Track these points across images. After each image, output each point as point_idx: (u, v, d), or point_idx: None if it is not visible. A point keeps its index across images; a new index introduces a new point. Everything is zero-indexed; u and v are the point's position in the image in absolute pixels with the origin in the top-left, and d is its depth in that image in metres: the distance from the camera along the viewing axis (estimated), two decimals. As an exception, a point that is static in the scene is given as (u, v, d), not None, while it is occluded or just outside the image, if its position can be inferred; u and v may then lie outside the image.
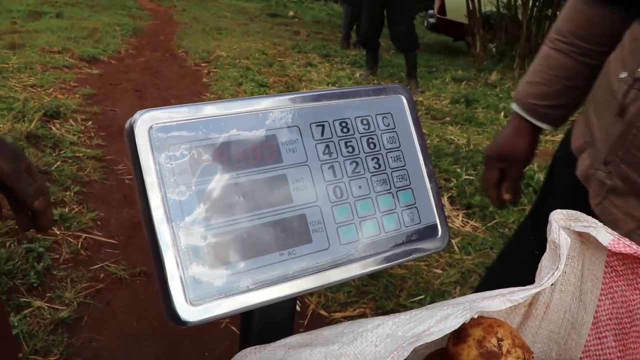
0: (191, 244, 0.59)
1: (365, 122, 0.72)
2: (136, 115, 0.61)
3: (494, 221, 2.89)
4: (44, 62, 5.71)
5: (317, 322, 2.08)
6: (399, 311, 0.67)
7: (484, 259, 2.55)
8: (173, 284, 0.57)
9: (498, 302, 0.69)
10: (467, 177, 3.48)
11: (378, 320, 0.62)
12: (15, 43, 6.33)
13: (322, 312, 2.07)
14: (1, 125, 3.60)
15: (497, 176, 1.42)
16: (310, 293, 2.02)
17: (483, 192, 1.29)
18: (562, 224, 0.74)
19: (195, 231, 0.59)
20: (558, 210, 0.75)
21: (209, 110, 0.63)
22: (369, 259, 0.69)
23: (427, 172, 0.76)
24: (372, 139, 0.73)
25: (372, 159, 0.72)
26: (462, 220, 2.93)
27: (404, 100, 0.77)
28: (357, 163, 0.70)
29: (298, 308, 1.95)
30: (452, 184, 3.06)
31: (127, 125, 0.60)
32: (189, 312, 0.57)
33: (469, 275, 2.38)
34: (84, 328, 1.98)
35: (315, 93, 0.71)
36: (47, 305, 2.13)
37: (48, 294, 2.21)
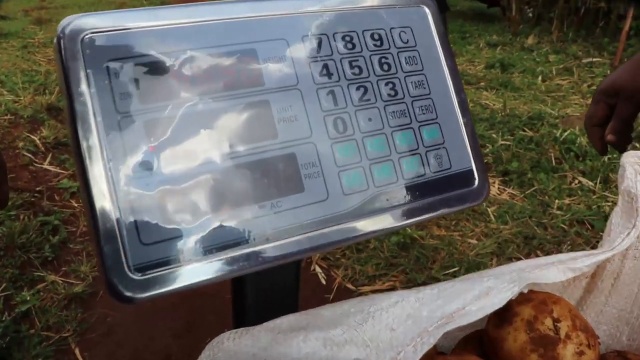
0: (135, 191, 0.42)
1: (376, 37, 0.55)
2: (64, 21, 0.45)
3: (533, 188, 2.67)
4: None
5: (344, 297, 1.92)
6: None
7: (522, 229, 2.33)
8: (108, 246, 0.41)
9: (555, 271, 0.51)
10: (503, 142, 3.23)
11: (396, 295, 0.45)
12: (42, 18, 6.28)
13: (349, 285, 1.91)
14: (22, 98, 3.51)
15: (604, 113, 1.21)
16: (335, 264, 1.87)
17: (585, 130, 1.07)
18: (639, 168, 0.55)
19: (141, 175, 0.43)
20: (632, 152, 0.56)
21: (166, 16, 0.46)
22: (383, 214, 0.52)
23: (458, 102, 0.58)
24: (386, 58, 0.55)
25: (386, 84, 0.54)
26: (499, 188, 2.71)
27: (428, 13, 0.59)
28: (365, 88, 0.53)
29: (323, 281, 1.79)
30: (488, 149, 2.84)
31: (56, 35, 0.44)
32: (132, 284, 0.41)
33: (507, 245, 2.17)
34: (98, 303, 1.86)
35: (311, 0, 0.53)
36: (61, 280, 2.02)
37: (63, 268, 2.11)
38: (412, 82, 0.56)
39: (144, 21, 0.45)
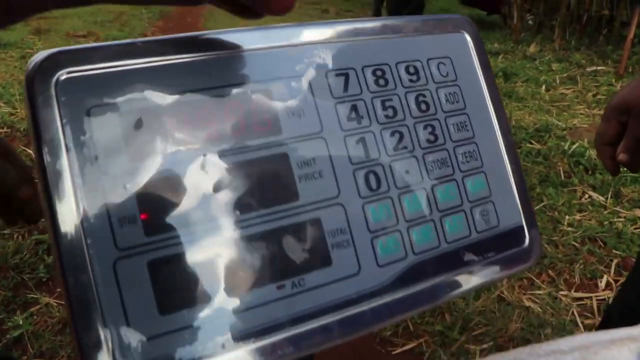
0: (125, 274, 0.33)
1: (412, 70, 0.45)
2: (36, 57, 0.35)
3: (542, 204, 2.57)
4: (68, 46, 5.52)
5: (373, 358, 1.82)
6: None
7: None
8: (91, 342, 0.32)
9: (626, 352, 0.41)
10: (511, 155, 3.09)
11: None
12: (41, 28, 6.20)
13: (379, 347, 1.80)
14: (19, 111, 3.42)
15: (616, 131, 1.11)
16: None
17: (595, 149, 0.97)
18: None
19: (130, 253, 0.33)
20: None
21: (159, 50, 0.37)
22: (423, 286, 0.42)
23: (505, 146, 0.49)
24: (424, 95, 0.45)
25: (425, 127, 0.45)
26: (509, 203, 2.59)
27: (468, 40, 0.49)
28: (401, 134, 0.43)
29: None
30: (496, 163, 2.73)
31: (25, 73, 0.35)
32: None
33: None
34: (93, 328, 1.75)
35: (334, 25, 0.44)
36: (55, 302, 1.93)
37: (58, 289, 2.01)
38: (453, 124, 0.46)
39: (134, 57, 0.36)
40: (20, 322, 1.85)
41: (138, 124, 0.35)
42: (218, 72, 0.38)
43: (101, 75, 0.35)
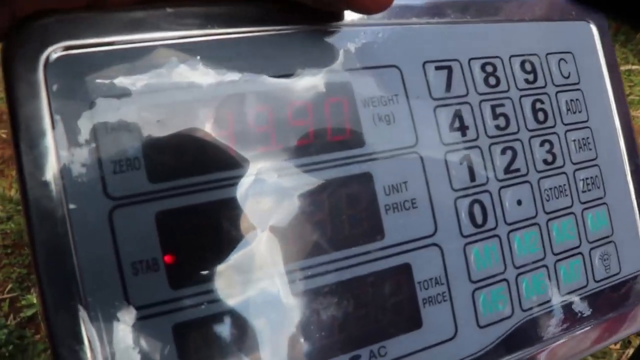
0: (141, 333, 0.22)
1: (528, 67, 0.33)
2: (16, 26, 0.24)
3: None
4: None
5: None
6: None
7: None
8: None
9: None
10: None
11: None
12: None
13: None
14: None
15: None
16: None
17: None
18: None
19: (154, 312, 0.22)
20: None
21: (194, 20, 0.25)
22: (531, 351, 0.31)
23: (632, 172, 0.37)
24: (541, 102, 0.33)
25: (542, 144, 0.33)
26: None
27: (594, 31, 0.37)
28: (514, 151, 0.31)
29: None
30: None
31: (0, 50, 0.23)
32: None
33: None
34: None
35: (430, 1, 0.31)
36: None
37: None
38: (574, 141, 0.34)
39: (161, 29, 0.24)
40: (34, 301, 1.76)
41: (160, 128, 0.24)
42: (277, 53, 0.26)
43: (112, 53, 0.23)
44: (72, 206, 0.23)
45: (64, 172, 0.23)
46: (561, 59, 0.35)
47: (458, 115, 0.31)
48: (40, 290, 0.23)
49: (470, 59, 0.32)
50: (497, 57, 0.33)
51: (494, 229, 0.31)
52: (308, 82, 0.27)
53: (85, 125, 0.23)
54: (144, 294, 0.23)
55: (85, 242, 0.23)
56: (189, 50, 0.25)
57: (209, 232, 0.24)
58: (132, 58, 0.25)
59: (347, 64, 0.28)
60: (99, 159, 0.23)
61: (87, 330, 0.22)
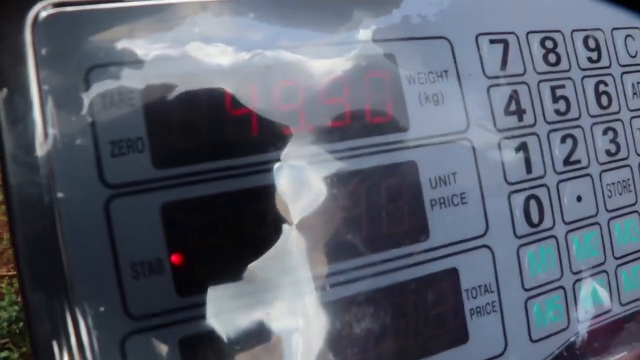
0: (144, 355, 0.17)
1: (592, 44, 0.28)
2: None
3: None
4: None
5: None
6: None
7: None
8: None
9: None
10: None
11: None
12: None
13: None
14: None
15: None
16: None
17: None
18: None
19: (154, 325, 0.17)
20: None
21: None
22: None
23: None
24: (605, 84, 0.29)
25: (605, 132, 0.28)
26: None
27: None
28: (574, 140, 0.26)
29: None
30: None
31: None
32: None
33: None
34: None
35: None
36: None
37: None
38: (639, 129, 0.29)
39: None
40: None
41: (175, 101, 0.19)
42: (306, 17, 0.21)
43: (113, 12, 0.19)
44: (61, 194, 0.18)
45: (53, 153, 0.18)
46: (628, 35, 0.30)
47: (514, 97, 0.26)
48: (22, 295, 0.19)
49: (528, 33, 0.27)
50: (557, 31, 0.28)
51: (551, 228, 0.26)
52: (344, 53, 0.22)
53: (79, 97, 0.19)
54: (146, 301, 0.19)
55: (76, 238, 0.18)
56: (206, 10, 0.21)
57: (224, 228, 0.20)
58: (137, 18, 0.20)
59: (390, 33, 0.23)
60: (95, 139, 0.19)
61: (77, 345, 0.18)
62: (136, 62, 0.20)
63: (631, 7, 0.30)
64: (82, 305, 0.19)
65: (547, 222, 0.26)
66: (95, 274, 0.19)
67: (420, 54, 0.24)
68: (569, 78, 0.28)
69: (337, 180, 0.22)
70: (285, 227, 0.21)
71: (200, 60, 0.20)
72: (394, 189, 0.22)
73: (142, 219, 0.19)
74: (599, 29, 0.29)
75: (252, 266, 0.20)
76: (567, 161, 0.27)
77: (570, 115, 0.27)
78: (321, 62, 0.22)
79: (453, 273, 0.23)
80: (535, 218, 0.26)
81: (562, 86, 0.27)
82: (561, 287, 0.26)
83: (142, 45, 0.20)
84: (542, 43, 0.27)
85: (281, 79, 0.21)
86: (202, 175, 0.20)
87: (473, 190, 0.24)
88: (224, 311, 0.20)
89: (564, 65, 0.28)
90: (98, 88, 0.19)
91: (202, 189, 0.20)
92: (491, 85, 0.25)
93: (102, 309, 0.19)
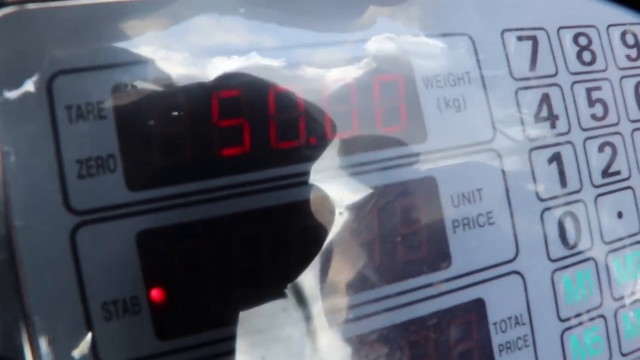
0: None
1: (631, 40, 0.24)
2: None
3: None
4: None
5: None
6: None
7: None
8: None
9: None
10: None
11: None
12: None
13: None
14: None
15: None
16: None
17: None
18: None
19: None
20: None
21: None
22: None
23: None
24: None
25: None
26: None
27: None
28: (613, 149, 0.23)
29: None
30: None
31: None
32: None
33: None
34: None
35: None
36: None
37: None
38: None
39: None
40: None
41: (153, 112, 0.15)
42: (311, 11, 0.17)
43: (83, 9, 0.15)
44: (19, 223, 0.15)
45: (9, 175, 0.15)
46: (669, 31, 0.26)
47: (545, 101, 0.22)
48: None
49: (559, 28, 0.23)
50: (592, 26, 0.24)
51: (589, 249, 0.22)
52: (350, 53, 0.19)
53: (40, 109, 0.15)
54: (120, 347, 0.15)
55: (37, 274, 0.15)
56: (191, 6, 0.17)
57: (212, 260, 0.16)
58: (111, 17, 0.16)
59: (404, 30, 0.19)
60: (59, 158, 0.15)
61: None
62: (108, 68, 0.16)
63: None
64: (48, 352, 0.15)
65: (584, 243, 0.22)
66: (61, 316, 0.15)
67: (439, 53, 0.20)
68: (606, 79, 0.24)
69: (344, 202, 0.18)
70: (283, 257, 0.17)
71: (184, 66, 0.17)
72: (409, 209, 0.19)
73: (114, 250, 0.16)
74: (638, 24, 0.25)
75: (245, 304, 0.17)
76: (605, 172, 0.23)
77: (608, 121, 0.23)
78: (324, 64, 0.18)
79: (479, 304, 0.20)
80: (571, 238, 0.22)
81: (599, 88, 0.23)
82: (601, 316, 0.22)
83: (116, 48, 0.17)
84: (575, 40, 0.23)
85: (277, 86, 0.18)
86: (186, 198, 0.17)
87: (501, 208, 0.20)
88: (211, 357, 0.16)
89: (600, 64, 0.24)
90: (63, 98, 0.16)
91: (185, 214, 0.16)
92: (519, 88, 0.21)
93: (69, 354, 0.15)
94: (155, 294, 0.16)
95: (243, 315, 0.17)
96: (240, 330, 0.17)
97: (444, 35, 0.21)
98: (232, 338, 0.17)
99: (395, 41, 0.20)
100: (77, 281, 0.16)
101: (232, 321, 0.17)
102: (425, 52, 0.20)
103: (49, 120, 0.16)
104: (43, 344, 0.15)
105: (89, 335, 0.16)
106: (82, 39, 0.16)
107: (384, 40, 0.20)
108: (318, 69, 0.18)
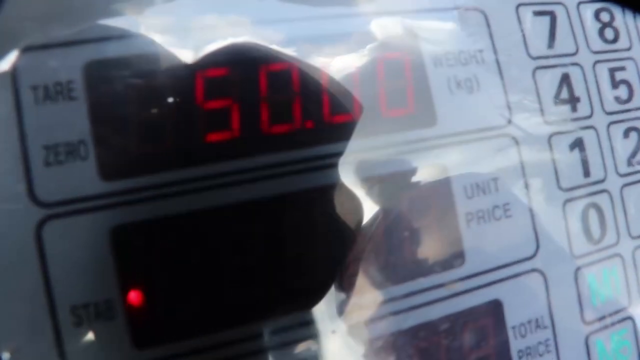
0: None
1: None
2: None
3: None
4: None
5: None
6: None
7: None
8: None
9: None
10: None
11: None
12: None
13: None
14: None
15: None
16: None
17: None
18: None
19: None
20: None
21: None
22: None
23: None
24: None
25: None
26: None
27: None
28: (639, 132, 0.20)
29: None
30: None
31: None
32: None
33: None
34: None
35: None
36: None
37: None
38: None
39: None
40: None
41: (131, 94, 0.14)
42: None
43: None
44: (-23, 217, 0.13)
45: None
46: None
47: (566, 82, 0.20)
48: None
49: (579, 3, 0.21)
50: (614, 2, 0.22)
51: (615, 244, 0.20)
52: (352, 28, 0.17)
53: (2, 89, 0.14)
54: (93, 357, 0.13)
55: (0, 273, 0.13)
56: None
57: (197, 258, 0.14)
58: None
59: (411, 3, 0.17)
60: (23, 143, 0.13)
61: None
62: (80, 44, 0.14)
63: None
64: (12, 361, 0.13)
65: (610, 237, 0.20)
66: (25, 322, 0.14)
67: (449, 30, 0.18)
68: (630, 58, 0.22)
69: (345, 192, 0.16)
70: (277, 254, 0.15)
71: (163, 41, 0.15)
72: (417, 201, 0.17)
73: (86, 247, 0.14)
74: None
75: (235, 306, 0.15)
76: (631, 160, 0.21)
77: (633, 104, 0.22)
78: (322, 41, 0.17)
79: (496, 306, 0.18)
80: (596, 232, 0.20)
81: (623, 68, 0.22)
82: (629, 318, 0.20)
83: (88, 22, 0.15)
84: (597, 15, 0.21)
85: (270, 64, 0.16)
86: (167, 189, 0.15)
87: (518, 200, 0.18)
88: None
89: (623, 42, 0.22)
90: (28, 77, 0.14)
91: (166, 207, 0.15)
92: (537, 68, 0.20)
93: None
94: (133, 296, 0.14)
95: (231, 320, 0.15)
96: (226, 336, 0.15)
97: (454, 9, 0.19)
98: (219, 346, 0.15)
99: (401, 16, 0.18)
100: (43, 282, 0.14)
101: (220, 327, 0.15)
102: (434, 28, 0.18)
103: (12, 101, 0.14)
104: (5, 354, 0.13)
105: (57, 344, 0.14)
106: (50, 12, 0.15)
107: (389, 15, 0.18)
108: (315, 46, 0.17)
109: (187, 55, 0.15)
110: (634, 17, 0.23)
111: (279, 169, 0.16)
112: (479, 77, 0.19)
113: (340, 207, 0.16)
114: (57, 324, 0.14)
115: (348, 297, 0.16)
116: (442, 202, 0.17)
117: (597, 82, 0.21)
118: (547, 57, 0.20)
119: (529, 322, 0.19)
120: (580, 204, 0.20)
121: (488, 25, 0.19)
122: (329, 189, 0.16)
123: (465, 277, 0.17)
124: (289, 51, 0.16)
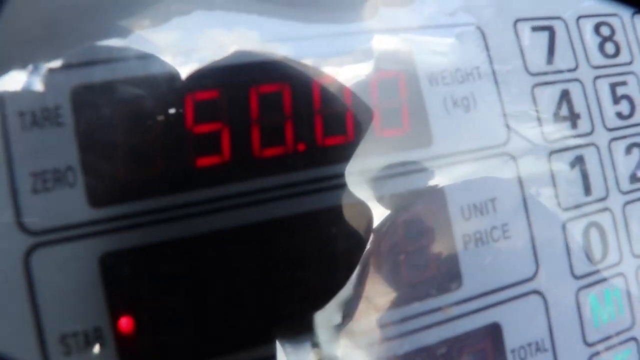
0: None
1: None
2: None
3: None
4: None
5: None
6: None
7: None
8: None
9: None
10: None
11: None
12: None
13: None
14: None
15: None
16: None
17: None
18: None
19: None
20: None
21: None
22: None
23: None
24: None
25: None
26: None
27: None
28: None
29: None
30: None
31: None
32: None
33: None
34: None
35: None
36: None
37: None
38: None
39: None
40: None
41: (120, 119, 0.13)
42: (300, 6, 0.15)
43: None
44: (-37, 246, 0.13)
45: None
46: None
47: (566, 98, 0.19)
48: None
49: (578, 17, 0.20)
50: (615, 14, 0.21)
51: (617, 264, 0.20)
52: (346, 47, 0.16)
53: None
54: None
55: (-15, 304, 0.13)
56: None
57: (187, 285, 0.14)
58: (69, 13, 0.14)
59: (406, 21, 0.17)
60: (10, 170, 0.13)
61: None
62: (66, 68, 0.14)
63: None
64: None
65: (612, 257, 0.20)
66: (13, 351, 0.13)
67: (445, 47, 0.18)
68: (632, 72, 0.21)
69: (338, 215, 0.16)
70: (269, 280, 0.15)
71: (153, 65, 0.15)
72: (413, 223, 0.16)
73: (74, 275, 0.14)
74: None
75: (227, 335, 0.15)
76: (634, 177, 0.21)
77: (636, 120, 0.21)
78: (316, 60, 0.16)
79: (495, 330, 0.17)
80: (597, 252, 0.19)
81: (624, 83, 0.21)
82: (633, 338, 0.20)
83: (76, 46, 0.15)
84: (597, 30, 0.21)
85: (260, 85, 0.15)
86: (156, 215, 0.14)
87: (517, 220, 0.18)
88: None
89: (624, 56, 0.21)
90: (15, 103, 0.14)
91: (155, 234, 0.14)
92: (536, 84, 0.19)
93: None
94: (122, 324, 0.14)
95: (221, 347, 0.14)
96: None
97: (451, 26, 0.18)
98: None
99: (396, 33, 0.17)
100: (31, 310, 0.14)
101: (211, 355, 0.14)
102: (429, 45, 0.18)
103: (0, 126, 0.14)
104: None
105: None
106: (36, 37, 0.14)
107: (384, 33, 0.17)
108: (308, 66, 0.16)
109: (176, 79, 0.15)
110: (632, 16, 0.22)
111: (270, 193, 0.15)
112: (476, 95, 0.18)
113: (334, 231, 0.16)
114: (46, 354, 0.14)
115: (343, 323, 0.16)
116: (439, 224, 0.17)
117: (597, 97, 0.21)
118: (546, 73, 0.20)
119: (529, 345, 0.18)
120: (581, 223, 0.19)
121: (485, 42, 0.19)
122: (323, 213, 0.16)
123: (462, 301, 0.17)
124: (282, 70, 0.16)
